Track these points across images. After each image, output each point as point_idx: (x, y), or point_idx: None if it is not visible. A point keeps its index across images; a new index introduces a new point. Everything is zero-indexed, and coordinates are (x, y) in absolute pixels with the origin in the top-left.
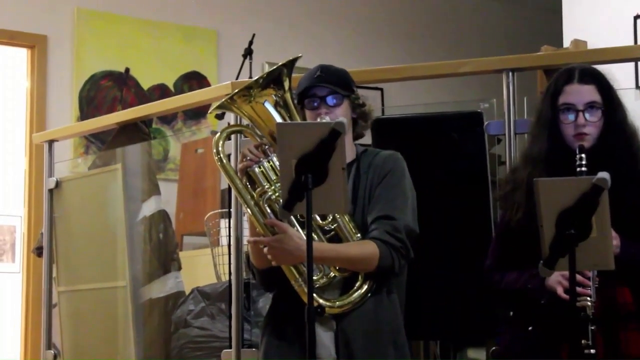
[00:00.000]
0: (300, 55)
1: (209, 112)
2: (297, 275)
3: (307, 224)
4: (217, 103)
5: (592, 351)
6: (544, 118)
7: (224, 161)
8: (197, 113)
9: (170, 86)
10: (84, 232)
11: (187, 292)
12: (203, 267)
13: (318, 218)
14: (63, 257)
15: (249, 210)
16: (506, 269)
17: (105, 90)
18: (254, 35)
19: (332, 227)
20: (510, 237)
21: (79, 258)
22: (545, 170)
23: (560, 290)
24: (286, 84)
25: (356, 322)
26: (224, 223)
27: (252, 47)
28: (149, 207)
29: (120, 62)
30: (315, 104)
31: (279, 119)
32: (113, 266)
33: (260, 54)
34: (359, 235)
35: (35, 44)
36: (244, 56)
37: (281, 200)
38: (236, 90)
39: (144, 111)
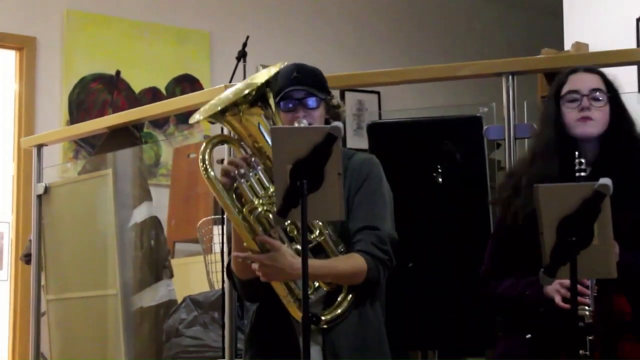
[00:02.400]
0: (281, 65)
1: (190, 120)
2: (287, 292)
3: (302, 230)
4: (203, 114)
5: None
6: (547, 112)
7: (210, 174)
8: (189, 117)
9: (162, 89)
10: (74, 239)
11: (179, 301)
12: (195, 274)
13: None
14: (52, 265)
15: (237, 225)
16: (503, 275)
17: (95, 93)
18: (247, 37)
19: (320, 240)
20: (508, 243)
21: (68, 265)
22: (544, 164)
23: (558, 299)
24: (271, 100)
25: (343, 335)
26: (216, 230)
27: (246, 49)
28: (140, 214)
29: (111, 64)
30: (291, 105)
31: (265, 132)
32: (103, 274)
33: (254, 56)
34: (342, 245)
35: (24, 46)
36: (238, 59)
37: (270, 215)
38: (225, 106)
39: (135, 115)
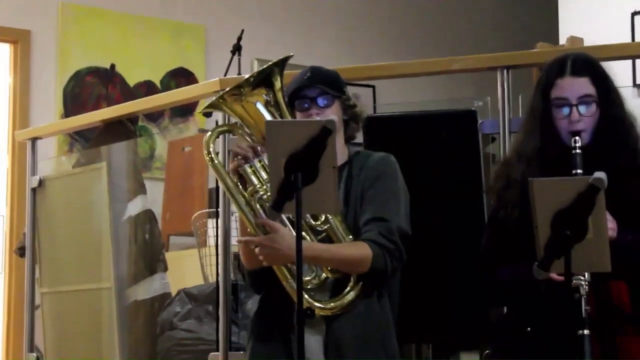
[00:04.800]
0: (292, 54)
1: (197, 110)
2: (289, 276)
3: (296, 224)
4: (207, 102)
5: (586, 332)
6: (536, 112)
7: (215, 161)
8: (184, 110)
9: (157, 83)
10: (68, 232)
11: (173, 294)
12: (190, 268)
13: (310, 218)
14: (46, 258)
15: (240, 209)
16: (500, 264)
17: (90, 86)
18: (242, 31)
19: (324, 227)
20: (505, 235)
21: (62, 259)
22: (540, 168)
23: (554, 275)
24: (277, 84)
25: (346, 326)
26: (211, 223)
27: (241, 43)
28: (134, 207)
29: (106, 58)
30: (306, 105)
31: (269, 119)
32: (97, 267)
33: (250, 50)
34: (350, 237)
35: (18, 39)
36: (233, 52)
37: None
38: (227, 89)
39: (130, 108)
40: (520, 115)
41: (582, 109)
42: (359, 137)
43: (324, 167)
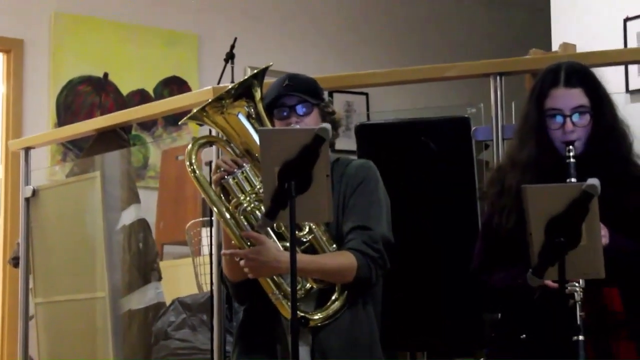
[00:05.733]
0: (271, 64)
1: (180, 122)
2: (275, 288)
3: (290, 232)
4: (189, 114)
5: (581, 338)
6: (530, 122)
7: (197, 172)
8: (177, 119)
9: (150, 91)
10: (62, 241)
11: (167, 303)
12: (184, 277)
13: None
14: (40, 268)
15: (224, 222)
16: (493, 270)
17: (83, 95)
18: (235, 39)
19: (308, 238)
20: (499, 241)
21: (56, 268)
22: (534, 177)
23: (547, 282)
24: (257, 95)
25: (333, 335)
26: (205, 232)
27: (234, 51)
28: (128, 216)
29: (99, 67)
30: (285, 113)
31: (251, 130)
32: (91, 277)
33: (242, 58)
34: (334, 245)
35: (12, 48)
36: (226, 60)
37: (257, 212)
38: (208, 101)
39: (123, 117)
40: (513, 121)
41: (575, 119)
42: (352, 144)
43: (317, 175)
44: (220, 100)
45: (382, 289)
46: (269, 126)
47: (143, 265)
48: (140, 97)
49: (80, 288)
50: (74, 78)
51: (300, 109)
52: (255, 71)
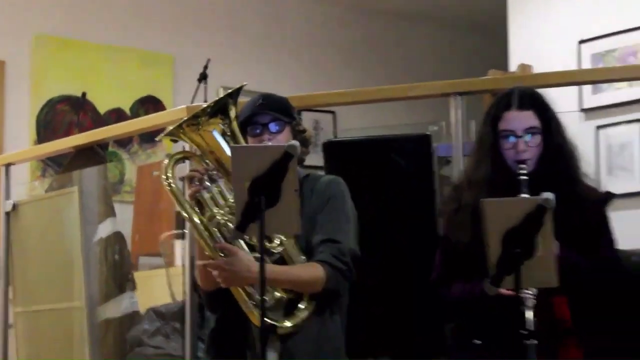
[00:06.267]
0: (245, 83)
1: (157, 138)
2: (246, 297)
3: (259, 245)
4: (167, 130)
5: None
6: (485, 142)
7: (173, 186)
8: (152, 136)
9: (127, 110)
10: (41, 253)
11: (142, 312)
12: (158, 287)
13: (265, 241)
14: (20, 279)
15: (198, 234)
16: (451, 282)
17: (62, 114)
18: (208, 60)
19: (279, 250)
20: (456, 255)
21: (36, 279)
22: (489, 194)
23: (503, 290)
24: (232, 113)
25: (300, 342)
26: (178, 244)
27: (208, 71)
28: (104, 229)
29: (77, 86)
30: (258, 130)
31: (225, 146)
32: (69, 287)
33: (216, 78)
34: (303, 257)
35: None
36: (199, 81)
37: (230, 224)
38: (184, 119)
39: (100, 135)
40: (473, 139)
41: (527, 139)
42: (320, 161)
43: (286, 190)
44: (197, 118)
45: (348, 299)
46: (243, 143)
47: (119, 276)
48: (117, 115)
49: (58, 298)
50: (53, 97)
51: (273, 127)
52: (230, 90)
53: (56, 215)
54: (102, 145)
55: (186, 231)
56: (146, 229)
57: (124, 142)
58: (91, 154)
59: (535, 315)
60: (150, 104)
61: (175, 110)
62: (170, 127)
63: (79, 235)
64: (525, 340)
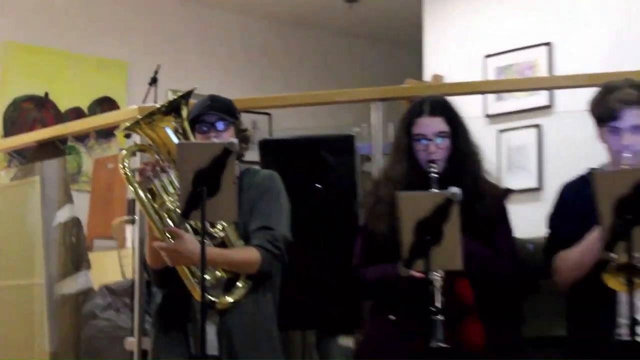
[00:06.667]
0: (196, 87)
1: (116, 131)
2: (190, 275)
3: (202, 229)
4: (125, 124)
5: (439, 317)
6: (401, 145)
7: (129, 175)
8: (108, 133)
9: (85, 109)
10: (5, 236)
11: (96, 289)
12: (110, 266)
13: (208, 226)
14: None
15: (150, 218)
16: (368, 265)
17: (26, 112)
18: (158, 66)
19: (220, 235)
20: (374, 242)
21: (0, 258)
22: (404, 188)
23: (414, 272)
24: (184, 112)
25: (237, 317)
26: (129, 228)
27: (158, 76)
28: (63, 214)
29: (41, 87)
30: (205, 128)
31: (176, 141)
32: (31, 266)
33: (165, 82)
34: (242, 242)
35: None
36: (150, 84)
37: (178, 210)
38: (142, 116)
39: (61, 130)
40: (391, 140)
41: (438, 142)
42: (256, 157)
43: (225, 182)
44: (152, 115)
45: (280, 279)
46: (192, 139)
47: (75, 256)
48: (76, 113)
49: (21, 275)
50: (18, 97)
51: (219, 126)
52: (183, 93)
53: (20, 202)
54: (62, 139)
55: (136, 217)
56: (100, 214)
57: (82, 137)
58: (52, 148)
59: (442, 294)
60: (106, 104)
61: (128, 110)
62: (129, 123)
63: (40, 220)
64: (434, 316)
